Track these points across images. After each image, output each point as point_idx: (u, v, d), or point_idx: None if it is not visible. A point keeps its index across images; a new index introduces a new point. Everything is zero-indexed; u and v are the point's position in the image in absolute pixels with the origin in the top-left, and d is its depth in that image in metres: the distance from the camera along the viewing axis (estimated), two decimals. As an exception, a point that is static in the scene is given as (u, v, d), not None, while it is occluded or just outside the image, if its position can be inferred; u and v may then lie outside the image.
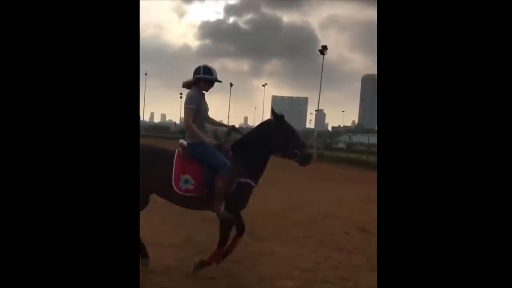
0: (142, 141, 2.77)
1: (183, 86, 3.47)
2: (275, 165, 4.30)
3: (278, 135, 3.38)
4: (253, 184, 3.36)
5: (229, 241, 3.44)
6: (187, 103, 3.36)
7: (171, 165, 3.21)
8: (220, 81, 3.49)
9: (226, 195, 3.24)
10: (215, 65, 3.64)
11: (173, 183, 3.17)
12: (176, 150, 3.38)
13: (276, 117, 3.47)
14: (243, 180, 3.27)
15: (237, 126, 4.08)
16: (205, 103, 3.52)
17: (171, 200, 3.38)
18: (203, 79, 3.40)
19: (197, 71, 3.42)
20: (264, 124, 3.61)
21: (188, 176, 3.18)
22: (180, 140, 3.48)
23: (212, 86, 3.49)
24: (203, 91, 3.49)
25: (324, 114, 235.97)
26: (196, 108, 3.35)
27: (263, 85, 67.30)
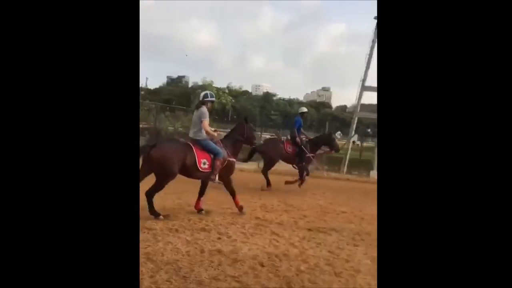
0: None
1: (197, 108, 5.46)
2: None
3: (248, 131, 5.85)
4: (235, 160, 5.71)
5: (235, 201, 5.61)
6: (205, 117, 5.28)
7: (193, 153, 5.14)
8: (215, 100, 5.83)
9: (221, 169, 5.36)
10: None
11: (197, 165, 5.13)
12: (189, 142, 5.27)
13: (246, 120, 6.00)
14: (230, 159, 5.52)
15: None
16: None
17: (194, 176, 5.28)
18: (210, 101, 5.53)
19: (205, 96, 5.49)
20: (240, 125, 5.93)
21: (205, 160, 5.21)
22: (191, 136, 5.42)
23: (213, 104, 5.88)
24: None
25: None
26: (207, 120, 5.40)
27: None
